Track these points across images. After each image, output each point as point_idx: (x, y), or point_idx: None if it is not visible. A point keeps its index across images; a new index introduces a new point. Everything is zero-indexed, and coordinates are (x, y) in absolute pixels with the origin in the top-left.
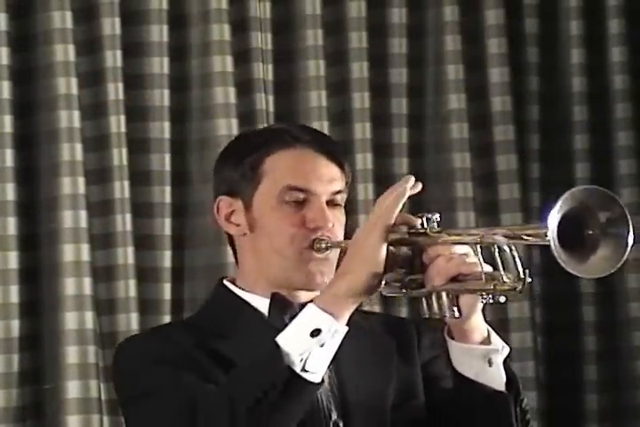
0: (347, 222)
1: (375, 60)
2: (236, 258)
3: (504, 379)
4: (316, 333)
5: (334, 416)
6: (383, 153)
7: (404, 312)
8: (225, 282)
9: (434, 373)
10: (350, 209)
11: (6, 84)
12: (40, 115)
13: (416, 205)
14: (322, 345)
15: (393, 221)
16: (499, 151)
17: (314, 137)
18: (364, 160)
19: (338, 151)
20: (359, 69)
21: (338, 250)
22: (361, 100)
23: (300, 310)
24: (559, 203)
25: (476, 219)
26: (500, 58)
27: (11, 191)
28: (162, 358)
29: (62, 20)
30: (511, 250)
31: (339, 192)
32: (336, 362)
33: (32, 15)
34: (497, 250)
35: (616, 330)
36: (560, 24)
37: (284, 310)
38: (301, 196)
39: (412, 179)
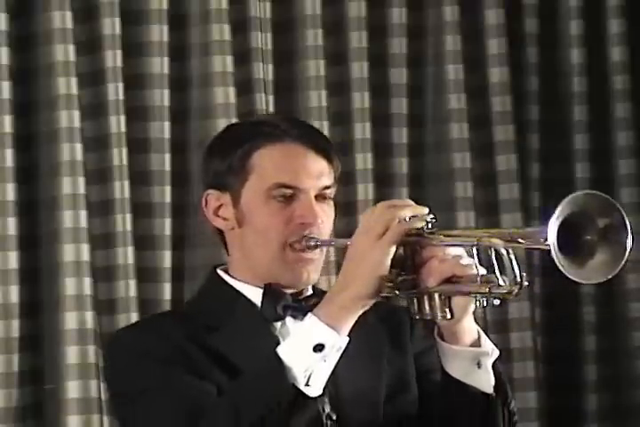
0: (346, 223)
1: (375, 60)
2: (226, 249)
3: (492, 382)
4: (318, 347)
5: (327, 409)
6: (383, 153)
7: None
8: (218, 271)
9: (426, 364)
10: (350, 209)
11: (6, 84)
12: (40, 115)
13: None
14: (324, 360)
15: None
16: (499, 151)
17: (303, 131)
18: (364, 160)
19: (327, 145)
20: (359, 69)
21: (325, 248)
22: (361, 100)
23: (293, 300)
24: (559, 208)
25: (476, 219)
26: (500, 58)
27: (11, 191)
28: (154, 353)
29: (62, 20)
30: (508, 253)
31: (327, 187)
32: None
33: (32, 15)
34: (494, 253)
35: (616, 330)
36: (560, 24)
37: (277, 300)
38: (289, 192)
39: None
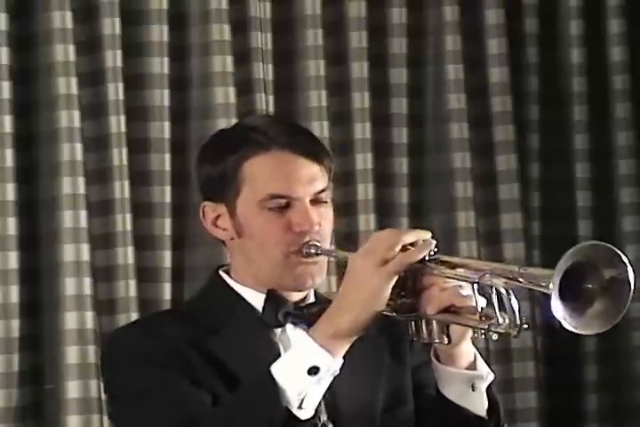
0: (346, 223)
1: (375, 60)
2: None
3: (486, 405)
4: (313, 371)
5: (323, 418)
6: (383, 153)
7: None
8: (220, 272)
9: (423, 379)
10: (350, 209)
11: (6, 84)
12: (40, 115)
13: (416, 205)
14: (318, 383)
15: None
16: (499, 151)
17: (290, 137)
18: (364, 160)
19: (316, 149)
20: (359, 69)
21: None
22: (361, 100)
23: (294, 308)
24: (565, 258)
25: (475, 219)
26: (500, 58)
27: (11, 191)
28: (153, 355)
29: (62, 20)
30: (509, 294)
31: (322, 190)
32: None
33: (32, 15)
34: (495, 291)
35: (616, 330)
36: (560, 24)
37: (279, 307)
38: (283, 201)
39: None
